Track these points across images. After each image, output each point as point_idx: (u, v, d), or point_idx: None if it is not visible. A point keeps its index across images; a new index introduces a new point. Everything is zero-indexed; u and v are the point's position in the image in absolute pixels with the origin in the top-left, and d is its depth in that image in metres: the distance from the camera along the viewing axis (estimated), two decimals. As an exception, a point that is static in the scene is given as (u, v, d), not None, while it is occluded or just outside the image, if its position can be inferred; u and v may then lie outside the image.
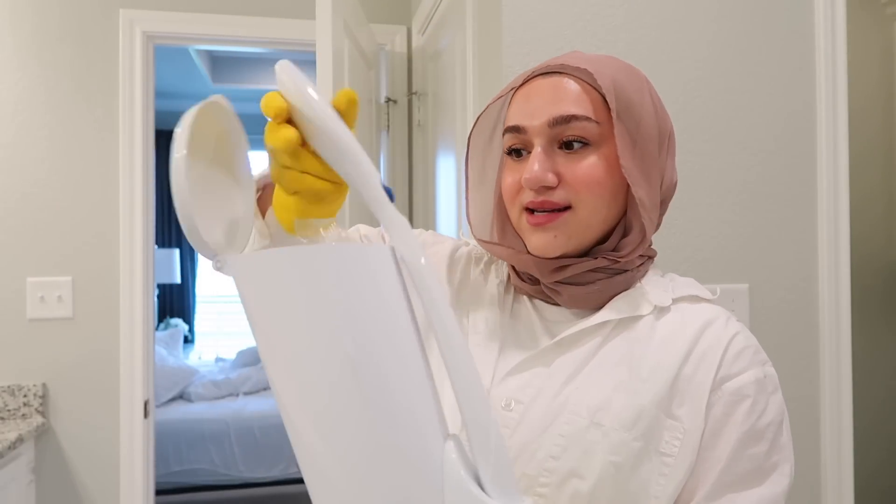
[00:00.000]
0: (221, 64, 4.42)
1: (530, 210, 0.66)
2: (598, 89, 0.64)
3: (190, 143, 0.49)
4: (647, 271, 0.71)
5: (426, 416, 0.46)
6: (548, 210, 0.65)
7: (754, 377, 0.63)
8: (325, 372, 0.45)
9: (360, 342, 0.45)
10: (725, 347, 0.64)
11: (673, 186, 0.71)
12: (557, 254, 0.66)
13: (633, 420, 0.61)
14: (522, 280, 0.72)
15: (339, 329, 0.45)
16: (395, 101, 2.29)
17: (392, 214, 0.49)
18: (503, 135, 0.69)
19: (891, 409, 2.07)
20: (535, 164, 0.64)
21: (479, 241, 0.74)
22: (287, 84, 0.50)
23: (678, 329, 0.65)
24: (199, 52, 3.98)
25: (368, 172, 0.49)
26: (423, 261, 0.47)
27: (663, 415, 0.62)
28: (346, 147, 0.49)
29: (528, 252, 0.68)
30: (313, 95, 0.49)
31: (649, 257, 0.72)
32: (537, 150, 0.65)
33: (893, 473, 2.07)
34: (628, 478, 0.61)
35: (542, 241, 0.66)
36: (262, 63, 4.45)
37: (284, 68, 0.51)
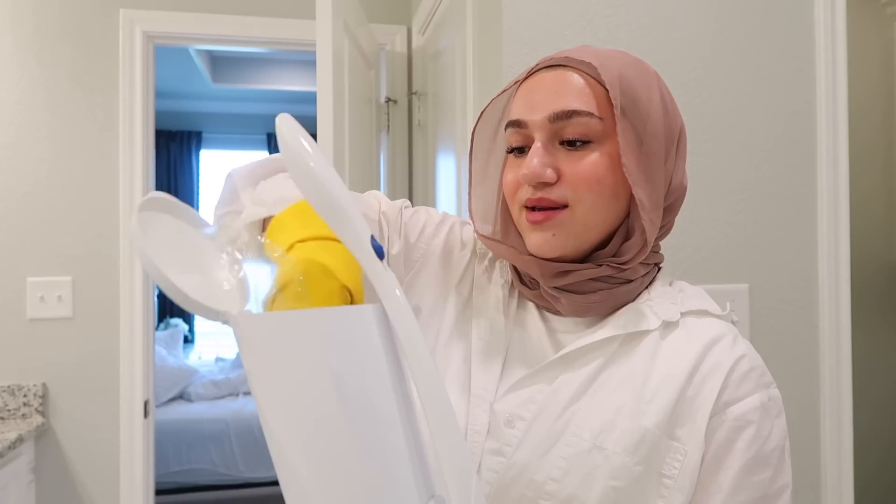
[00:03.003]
0: (221, 64, 4.42)
1: (530, 208, 0.64)
2: (602, 84, 0.62)
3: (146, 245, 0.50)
4: (653, 280, 0.69)
5: (407, 476, 0.47)
6: (545, 208, 0.63)
7: (759, 402, 0.62)
8: (312, 428, 0.46)
9: (347, 403, 0.46)
10: (730, 369, 0.62)
11: (682, 190, 0.69)
12: (556, 254, 0.64)
13: (636, 444, 0.60)
14: (524, 284, 0.70)
15: (327, 389, 0.46)
16: (395, 101, 2.29)
17: (379, 272, 0.50)
18: (505, 129, 0.67)
19: (891, 408, 2.07)
20: (533, 159, 0.62)
21: (482, 236, 0.71)
22: (286, 137, 0.51)
23: (683, 347, 0.64)
24: (199, 52, 3.98)
25: (360, 231, 0.51)
26: (409, 320, 0.49)
27: (665, 436, 0.61)
28: (340, 206, 0.50)
29: (529, 252, 0.66)
30: (310, 150, 0.50)
31: (656, 265, 0.70)
32: (537, 144, 0.63)
33: (893, 472, 2.07)
34: (628, 503, 0.60)
35: (540, 240, 0.64)
36: (262, 63, 4.45)
37: (285, 121, 0.51)
